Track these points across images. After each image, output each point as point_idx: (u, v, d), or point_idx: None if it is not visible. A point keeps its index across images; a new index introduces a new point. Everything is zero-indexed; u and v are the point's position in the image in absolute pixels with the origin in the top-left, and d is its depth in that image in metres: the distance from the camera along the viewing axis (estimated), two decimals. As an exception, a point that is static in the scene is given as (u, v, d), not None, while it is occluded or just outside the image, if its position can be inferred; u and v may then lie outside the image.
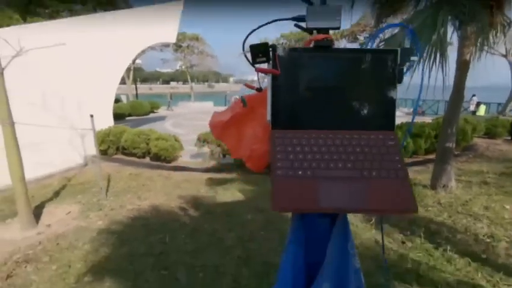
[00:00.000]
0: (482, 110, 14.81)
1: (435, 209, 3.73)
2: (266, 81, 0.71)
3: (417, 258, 2.65)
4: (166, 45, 22.85)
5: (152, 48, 19.81)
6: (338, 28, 0.68)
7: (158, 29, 7.95)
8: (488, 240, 2.96)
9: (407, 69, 0.72)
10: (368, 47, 0.79)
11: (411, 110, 15.09)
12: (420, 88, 0.78)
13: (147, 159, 6.36)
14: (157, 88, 60.72)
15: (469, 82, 4.09)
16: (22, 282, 2.48)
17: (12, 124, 3.23)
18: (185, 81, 51.49)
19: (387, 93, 0.70)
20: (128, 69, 19.54)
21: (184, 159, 6.42)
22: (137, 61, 31.86)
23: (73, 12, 13.46)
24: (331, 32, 0.71)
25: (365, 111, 0.70)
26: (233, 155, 0.95)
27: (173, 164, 6.09)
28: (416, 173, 5.18)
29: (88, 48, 6.21)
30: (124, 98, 18.74)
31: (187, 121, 12.49)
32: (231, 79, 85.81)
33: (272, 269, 2.51)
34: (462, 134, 6.80)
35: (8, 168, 3.25)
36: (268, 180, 0.63)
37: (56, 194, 4.48)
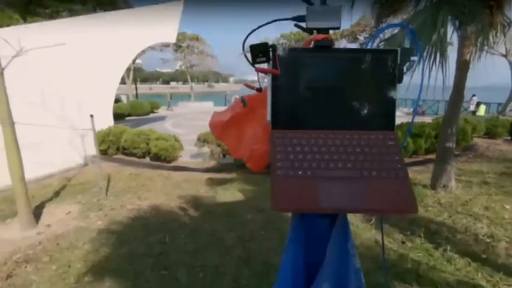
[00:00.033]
0: (482, 110, 14.81)
1: (436, 209, 3.73)
2: (266, 81, 0.71)
3: (417, 258, 2.65)
4: (166, 45, 22.84)
5: (152, 48, 19.82)
6: (338, 28, 0.68)
7: (158, 29, 7.96)
8: (488, 240, 2.96)
9: (407, 69, 0.72)
10: (368, 47, 0.79)
11: (411, 110, 15.09)
12: (420, 88, 0.78)
13: (147, 159, 6.36)
14: (157, 88, 60.76)
15: (469, 82, 4.09)
16: (22, 282, 2.48)
17: (12, 124, 3.23)
18: (185, 81, 51.54)
19: (387, 93, 0.70)
20: (128, 69, 19.52)
21: (184, 159, 6.41)
22: (137, 61, 31.91)
23: (72, 12, 13.46)
24: (331, 32, 0.71)
25: (365, 111, 0.70)
26: (233, 155, 0.94)
27: (173, 164, 6.09)
28: (416, 173, 5.18)
29: (88, 48, 6.21)
30: (124, 98, 18.72)
31: (187, 121, 12.49)
32: (231, 79, 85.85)
33: (272, 268, 2.51)
34: (462, 134, 6.80)
35: (8, 168, 3.25)
36: (268, 180, 0.63)
37: (56, 194, 4.48)
